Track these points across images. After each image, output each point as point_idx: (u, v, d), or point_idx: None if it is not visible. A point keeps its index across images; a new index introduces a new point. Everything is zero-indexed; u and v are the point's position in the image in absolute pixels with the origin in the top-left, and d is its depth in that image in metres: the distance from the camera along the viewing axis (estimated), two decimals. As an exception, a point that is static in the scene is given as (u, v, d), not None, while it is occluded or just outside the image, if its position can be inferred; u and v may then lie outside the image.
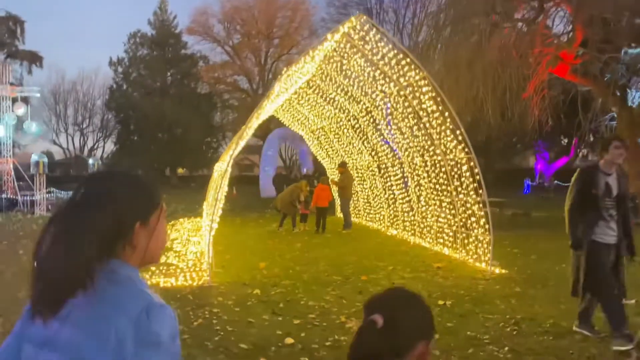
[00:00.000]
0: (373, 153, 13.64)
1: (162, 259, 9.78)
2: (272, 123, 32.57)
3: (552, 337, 5.25)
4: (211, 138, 47.90)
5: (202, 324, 5.79)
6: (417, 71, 8.65)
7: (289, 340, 5.19)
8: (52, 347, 1.19)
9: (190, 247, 11.32)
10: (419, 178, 11.35)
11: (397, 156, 13.47)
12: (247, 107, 43.64)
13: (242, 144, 7.98)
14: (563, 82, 16.58)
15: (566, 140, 38.18)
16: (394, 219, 13.46)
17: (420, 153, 10.66)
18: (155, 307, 1.18)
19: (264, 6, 43.12)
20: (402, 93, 9.78)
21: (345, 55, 10.15)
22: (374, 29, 8.52)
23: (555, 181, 34.30)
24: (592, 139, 38.61)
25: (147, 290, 1.22)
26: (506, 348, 4.94)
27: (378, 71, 9.86)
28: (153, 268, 8.77)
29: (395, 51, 8.74)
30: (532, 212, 17.91)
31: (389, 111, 12.65)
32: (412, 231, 12.19)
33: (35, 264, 1.18)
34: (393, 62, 8.98)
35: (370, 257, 10.01)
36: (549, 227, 14.66)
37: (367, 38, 8.75)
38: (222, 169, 9.31)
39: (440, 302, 6.59)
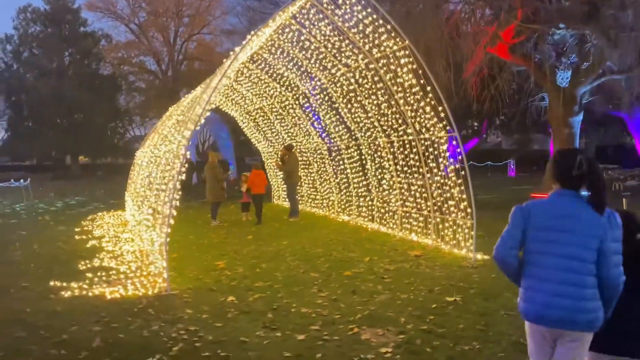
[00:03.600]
0: (324, 134, 12.60)
1: (96, 262, 8.21)
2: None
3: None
4: (116, 123, 44.44)
5: (185, 350, 4.52)
6: (397, 39, 7.71)
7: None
8: (566, 230, 2.54)
9: (124, 245, 9.73)
10: (381, 160, 10.52)
11: (326, 142, 12.70)
12: (156, 89, 40.73)
13: (202, 117, 6.60)
14: (500, 62, 16.55)
15: (476, 123, 39.55)
16: (346, 205, 12.60)
17: (387, 133, 9.79)
18: (614, 214, 2.56)
19: (172, -17, 40.25)
20: (371, 67, 8.80)
21: (307, 23, 8.98)
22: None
23: (470, 162, 35.40)
24: (497, 122, 40.41)
25: None
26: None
27: (347, 41, 8.79)
28: (89, 274, 7.25)
29: (375, 16, 7.70)
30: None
31: (317, 97, 11.70)
32: (370, 217, 11.40)
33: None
34: (368, 29, 7.96)
35: (337, 248, 9.08)
36: (494, 207, 14.49)
37: (340, 1, 7.65)
38: (173, 151, 7.88)
39: (449, 299, 5.81)
